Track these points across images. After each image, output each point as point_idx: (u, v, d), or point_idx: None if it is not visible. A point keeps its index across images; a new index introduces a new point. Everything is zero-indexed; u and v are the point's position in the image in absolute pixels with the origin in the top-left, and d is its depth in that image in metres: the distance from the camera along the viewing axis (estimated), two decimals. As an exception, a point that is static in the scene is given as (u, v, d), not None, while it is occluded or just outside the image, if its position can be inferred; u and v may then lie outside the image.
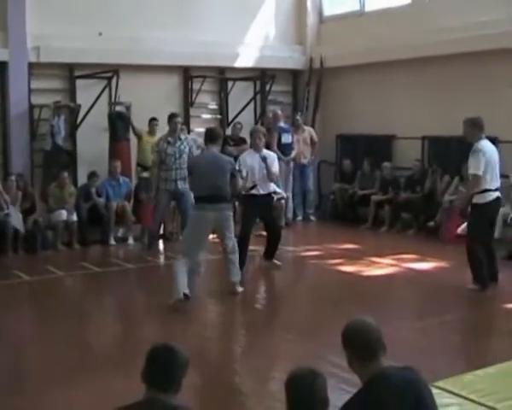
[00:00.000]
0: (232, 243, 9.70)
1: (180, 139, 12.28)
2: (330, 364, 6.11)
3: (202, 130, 15.86)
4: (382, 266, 11.62)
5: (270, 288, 10.91)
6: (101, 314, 9.60)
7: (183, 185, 12.00)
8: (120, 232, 14.00)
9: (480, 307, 9.01)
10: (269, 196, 11.20)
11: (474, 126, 9.42)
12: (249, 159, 10.93)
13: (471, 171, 9.31)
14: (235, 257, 9.75)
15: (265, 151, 11.13)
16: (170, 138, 12.19)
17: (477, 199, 9.39)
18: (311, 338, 7.93)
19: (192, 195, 10.61)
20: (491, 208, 9.57)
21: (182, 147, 12.22)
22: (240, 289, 9.77)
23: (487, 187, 9.30)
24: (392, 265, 11.71)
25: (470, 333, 8.27)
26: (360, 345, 3.69)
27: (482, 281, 9.46)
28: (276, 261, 11.44)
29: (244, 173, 10.77)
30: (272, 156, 11.12)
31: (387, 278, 10.97)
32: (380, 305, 9.21)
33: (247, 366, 7.37)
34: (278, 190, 14.43)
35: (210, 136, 9.77)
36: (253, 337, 8.31)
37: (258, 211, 11.07)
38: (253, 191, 10.83)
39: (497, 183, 9.45)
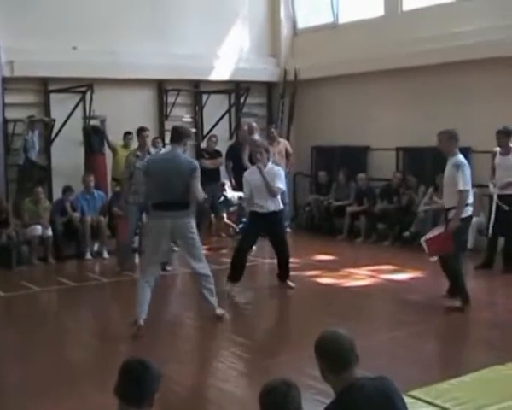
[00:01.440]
0: (201, 265, 8.87)
1: (149, 153, 12.03)
2: (307, 376, 6.11)
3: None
4: (358, 277, 11.64)
5: (246, 300, 10.91)
6: (77, 329, 9.55)
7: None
8: (96, 247, 13.95)
9: (455, 317, 9.04)
10: (274, 213, 10.53)
11: (451, 139, 9.29)
12: (252, 176, 10.53)
13: (460, 187, 9.04)
14: (208, 281, 8.90)
15: (269, 166, 10.63)
16: (139, 152, 12.06)
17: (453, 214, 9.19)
18: (288, 350, 7.94)
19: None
20: (467, 224, 9.53)
21: None
22: (221, 311, 9.09)
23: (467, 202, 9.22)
24: (368, 276, 11.74)
25: (445, 342, 8.31)
26: (332, 356, 3.71)
27: (464, 294, 9.25)
28: (290, 283, 10.89)
29: (247, 193, 10.51)
30: (274, 172, 10.59)
31: (363, 288, 10.99)
32: (355, 316, 9.24)
33: (223, 379, 7.36)
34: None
35: (173, 134, 8.96)
36: (228, 351, 8.29)
37: (262, 229, 10.72)
38: (257, 209, 10.43)
39: (471, 197, 9.34)
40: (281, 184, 10.55)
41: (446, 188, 9.44)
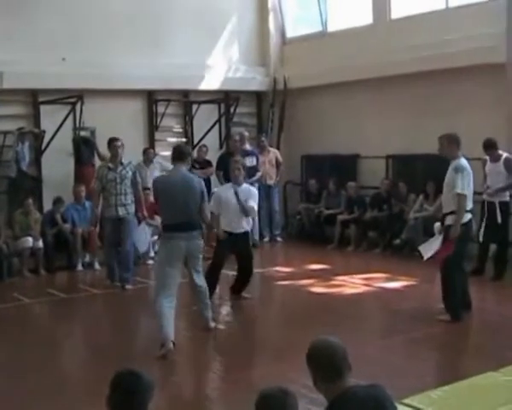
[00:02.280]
0: (202, 279, 8.89)
1: (122, 164, 11.85)
2: (299, 384, 6.11)
3: (167, 153, 15.98)
4: (350, 286, 11.65)
5: (239, 309, 10.89)
6: (68, 341, 9.55)
7: (124, 211, 11.76)
8: (87, 257, 13.92)
9: (447, 324, 9.04)
10: (244, 234, 10.51)
11: (452, 142, 9.07)
12: (224, 193, 10.47)
13: (458, 190, 8.79)
14: (207, 296, 8.98)
15: (245, 185, 10.57)
16: (110, 164, 11.87)
17: (452, 220, 8.96)
18: (281, 360, 7.92)
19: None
20: (468, 230, 9.14)
21: (123, 172, 11.81)
22: (213, 324, 9.09)
23: (466, 208, 8.94)
24: (359, 284, 11.75)
25: (437, 349, 8.32)
26: (324, 365, 3.71)
27: (455, 311, 9.04)
28: (245, 295, 10.93)
29: (214, 210, 10.17)
30: (249, 191, 10.53)
31: (355, 297, 11.00)
32: (347, 324, 9.22)
33: (217, 390, 7.35)
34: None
35: (178, 153, 8.72)
36: (222, 362, 8.29)
37: (232, 249, 10.51)
38: (227, 229, 10.31)
39: (471, 203, 9.09)
40: (254, 204, 10.44)
41: (445, 193, 9.18)
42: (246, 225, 10.53)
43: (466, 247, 9.23)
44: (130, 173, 11.93)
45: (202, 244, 8.86)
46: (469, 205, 9.04)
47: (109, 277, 12.25)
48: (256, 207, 10.59)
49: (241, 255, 10.70)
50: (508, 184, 11.40)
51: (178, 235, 8.38)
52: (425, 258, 9.51)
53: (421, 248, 9.71)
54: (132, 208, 11.96)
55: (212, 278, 10.28)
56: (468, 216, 9.02)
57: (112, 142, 12.04)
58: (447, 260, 8.97)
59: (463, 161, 9.02)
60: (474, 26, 13.22)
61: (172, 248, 8.43)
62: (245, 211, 10.33)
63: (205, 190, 8.73)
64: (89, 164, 14.77)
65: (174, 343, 8.09)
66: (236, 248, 10.53)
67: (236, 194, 10.32)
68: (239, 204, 10.27)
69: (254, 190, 10.79)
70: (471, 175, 9.04)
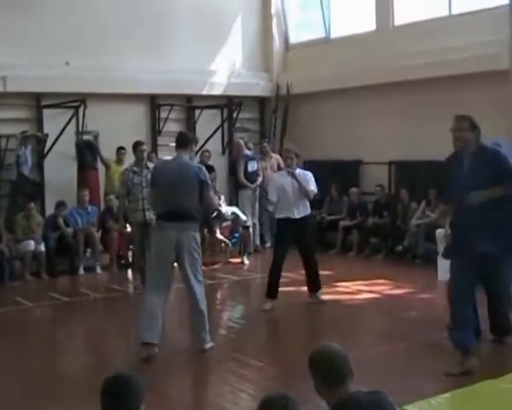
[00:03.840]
0: (199, 287, 8.21)
1: (147, 168, 11.62)
2: (301, 390, 6.12)
3: (169, 158, 16.00)
4: (352, 292, 11.66)
5: (240, 315, 10.89)
6: (69, 345, 9.55)
7: (151, 215, 11.28)
8: (88, 253, 13.91)
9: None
10: (305, 219, 10.50)
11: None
12: (281, 180, 10.47)
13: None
14: (203, 306, 8.25)
15: (298, 170, 10.55)
16: (135, 168, 11.74)
17: None
18: (283, 365, 7.93)
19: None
20: None
21: (149, 176, 11.22)
22: (208, 345, 8.36)
23: None
24: (361, 290, 11.76)
25: (438, 356, 8.30)
26: (327, 371, 3.71)
27: None
28: (320, 296, 10.74)
29: (274, 198, 10.36)
30: (305, 175, 10.54)
31: (357, 303, 11.01)
32: (349, 330, 9.23)
33: (217, 394, 7.35)
34: (244, 217, 14.53)
35: (180, 139, 8.42)
36: (222, 366, 8.28)
37: (292, 237, 10.44)
38: (288, 215, 10.23)
39: None
40: (313, 187, 10.53)
41: None
42: (306, 209, 10.53)
43: None
44: None
45: (198, 238, 8.25)
46: None
47: (142, 282, 11.33)
48: (315, 190, 10.65)
49: (301, 245, 10.62)
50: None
51: (169, 225, 7.99)
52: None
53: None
54: None
55: (273, 277, 10.25)
56: None
57: (137, 146, 11.94)
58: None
59: None
60: (478, 33, 13.24)
61: (163, 238, 8.05)
62: (306, 194, 10.39)
63: (206, 178, 8.25)
64: (91, 168, 14.80)
65: (157, 346, 7.88)
66: (297, 235, 10.43)
67: (295, 177, 10.31)
68: (300, 188, 10.28)
69: (310, 174, 10.68)
70: None
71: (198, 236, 8.30)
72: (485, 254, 7.29)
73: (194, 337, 8.42)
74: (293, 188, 10.34)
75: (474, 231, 7.34)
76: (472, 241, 7.31)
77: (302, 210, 10.46)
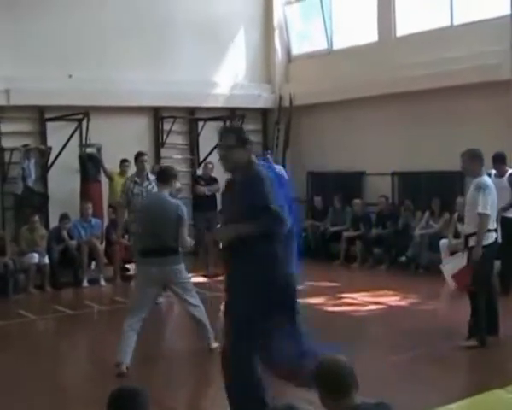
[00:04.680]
0: (194, 298, 8.59)
1: (148, 179, 11.73)
2: (307, 402, 6.11)
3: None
4: (356, 303, 11.65)
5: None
6: (73, 357, 9.55)
7: None
8: (92, 265, 13.94)
9: (452, 341, 9.03)
10: None
11: (474, 159, 8.62)
12: None
13: (480, 210, 8.33)
14: (200, 312, 8.59)
15: None
16: (137, 178, 11.76)
17: (474, 241, 8.50)
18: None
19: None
20: (491, 251, 8.62)
21: (150, 187, 11.65)
22: (215, 345, 8.58)
23: (489, 227, 8.48)
24: (365, 301, 11.74)
25: (443, 366, 8.30)
26: (332, 383, 3.71)
27: (483, 338, 8.60)
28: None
29: None
30: None
31: (361, 313, 11.00)
32: (352, 340, 9.21)
33: (220, 406, 7.34)
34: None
35: (160, 176, 8.74)
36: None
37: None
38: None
39: (494, 223, 8.67)
40: None
41: (467, 212, 8.76)
42: None
43: (490, 267, 8.81)
44: (155, 189, 11.89)
45: (182, 268, 8.41)
46: (494, 224, 8.66)
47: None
48: None
49: None
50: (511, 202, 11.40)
51: (150, 260, 8.18)
52: (447, 277, 9.11)
53: (444, 269, 9.41)
54: None
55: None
56: (492, 236, 8.59)
57: (138, 156, 12.02)
58: (473, 285, 8.56)
59: (486, 179, 8.67)
60: (479, 43, 13.29)
61: (145, 273, 8.31)
62: None
63: (183, 215, 8.35)
64: (94, 181, 14.83)
65: (127, 368, 7.95)
66: None
67: None
68: None
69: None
70: (494, 193, 8.67)
71: (181, 266, 8.41)
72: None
73: (201, 340, 8.75)
74: None
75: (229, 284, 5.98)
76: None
77: None
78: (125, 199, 11.72)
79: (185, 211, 8.50)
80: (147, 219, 8.40)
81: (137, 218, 8.81)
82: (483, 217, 8.38)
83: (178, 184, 13.88)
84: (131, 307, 8.47)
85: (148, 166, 12.28)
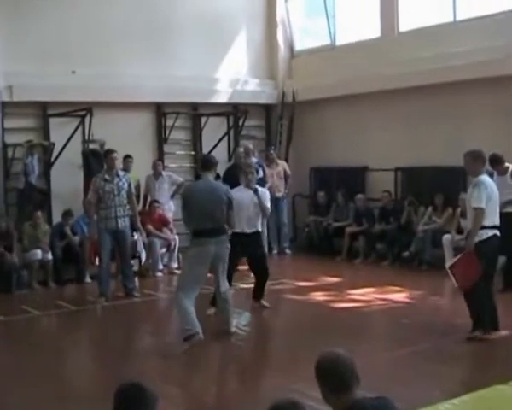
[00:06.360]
0: (225, 286, 9.36)
1: (118, 176, 11.89)
2: (307, 397, 6.11)
3: (176, 166, 16.02)
4: (358, 298, 11.65)
5: (245, 322, 10.88)
6: (76, 353, 9.56)
7: (123, 223, 11.84)
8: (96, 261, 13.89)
9: (455, 336, 9.04)
10: (256, 234, 10.66)
11: (477, 160, 8.74)
12: (238, 194, 10.27)
13: (473, 204, 8.54)
14: (229, 298, 9.42)
15: (259, 187, 10.78)
16: (107, 176, 11.85)
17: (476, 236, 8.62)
18: (289, 372, 7.92)
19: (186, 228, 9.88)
20: (488, 246, 8.66)
21: (120, 183, 11.83)
22: (233, 329, 9.47)
23: (484, 224, 8.59)
24: (367, 296, 11.75)
25: (445, 361, 8.30)
26: (333, 378, 3.71)
27: (484, 325, 8.72)
28: (264, 302, 10.95)
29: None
30: (264, 193, 10.76)
31: (363, 309, 11.01)
32: (356, 336, 9.24)
33: (225, 401, 7.35)
34: None
35: (204, 163, 9.54)
36: (231, 372, 8.29)
37: (245, 251, 10.64)
38: (238, 230, 10.19)
39: (493, 220, 8.72)
40: (268, 204, 10.75)
41: (468, 209, 8.88)
42: (259, 225, 10.74)
43: (487, 263, 8.72)
44: (126, 185, 11.98)
45: (229, 248, 9.18)
46: (493, 221, 8.72)
47: (104, 291, 11.92)
48: (269, 209, 10.96)
49: (254, 257, 10.85)
50: None
51: (208, 240, 8.86)
52: (452, 278, 8.96)
53: (448, 266, 9.37)
54: (128, 220, 12.02)
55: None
56: (489, 232, 8.65)
57: (108, 153, 12.17)
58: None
59: (483, 177, 8.76)
60: (482, 38, 13.26)
61: (202, 252, 8.91)
62: (265, 212, 10.68)
63: (232, 198, 9.20)
64: (98, 177, 14.82)
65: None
66: (249, 248, 10.65)
67: (257, 193, 10.51)
68: (260, 204, 10.51)
69: (267, 192, 11.11)
70: (493, 190, 8.75)
71: (229, 245, 9.23)
72: None
73: (223, 322, 9.48)
74: (250, 204, 10.51)
75: None
76: None
77: (256, 224, 10.63)
78: (95, 197, 11.84)
79: (232, 196, 9.31)
80: (202, 202, 8.92)
81: (189, 202, 9.09)
82: (477, 211, 8.57)
83: (181, 179, 14.10)
84: (184, 286, 9.03)
85: (118, 163, 12.31)
